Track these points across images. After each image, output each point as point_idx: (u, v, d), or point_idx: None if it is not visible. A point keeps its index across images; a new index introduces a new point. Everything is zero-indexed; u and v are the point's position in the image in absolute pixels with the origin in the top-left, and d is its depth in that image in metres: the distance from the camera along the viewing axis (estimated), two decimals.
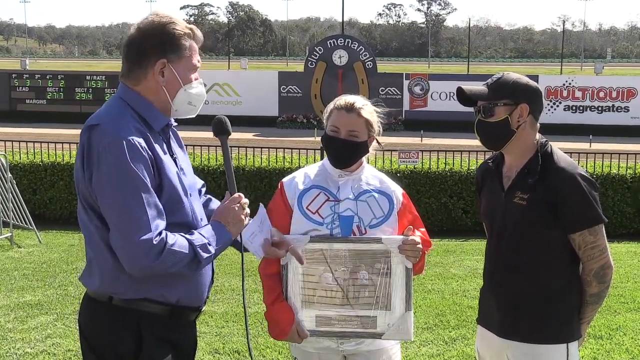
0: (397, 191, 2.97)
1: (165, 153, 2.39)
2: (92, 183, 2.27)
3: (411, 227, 2.85)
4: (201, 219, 2.48)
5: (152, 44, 2.37)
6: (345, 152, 2.87)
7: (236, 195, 2.50)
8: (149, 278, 2.31)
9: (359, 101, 2.91)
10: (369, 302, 2.81)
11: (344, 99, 2.91)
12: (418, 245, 2.80)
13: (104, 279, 2.35)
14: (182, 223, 2.38)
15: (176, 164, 2.44)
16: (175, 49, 2.39)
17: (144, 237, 2.22)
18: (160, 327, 2.38)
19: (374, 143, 2.96)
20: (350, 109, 2.87)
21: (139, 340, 2.35)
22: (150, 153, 2.31)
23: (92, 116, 2.39)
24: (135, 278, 2.30)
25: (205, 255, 2.33)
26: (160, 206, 2.29)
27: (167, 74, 2.39)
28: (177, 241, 2.28)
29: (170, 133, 2.51)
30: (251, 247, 2.60)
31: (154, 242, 2.22)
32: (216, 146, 14.02)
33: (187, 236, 2.32)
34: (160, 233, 2.25)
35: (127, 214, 2.22)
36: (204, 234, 2.36)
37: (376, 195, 2.91)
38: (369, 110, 2.90)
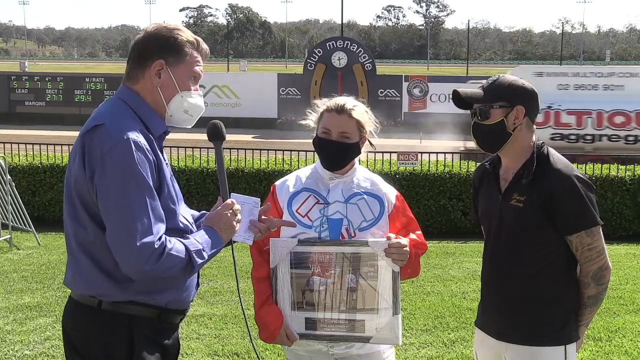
0: (390, 193, 2.94)
1: (163, 158, 2.40)
2: (93, 182, 2.25)
3: (392, 235, 2.82)
4: (191, 224, 2.49)
5: (153, 45, 2.40)
6: (337, 153, 2.86)
7: (229, 201, 2.49)
8: (143, 280, 2.31)
9: (350, 102, 2.89)
10: (357, 305, 2.79)
11: (334, 101, 2.90)
12: (405, 249, 2.77)
13: (95, 281, 2.33)
14: (175, 229, 2.38)
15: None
16: (175, 53, 2.41)
17: (146, 240, 2.21)
18: (149, 329, 2.37)
19: (367, 144, 2.94)
20: (341, 110, 2.85)
21: (131, 344, 2.34)
22: (153, 156, 2.31)
23: (93, 117, 2.37)
24: (128, 280, 2.29)
25: (199, 260, 2.33)
26: (161, 210, 2.29)
27: (164, 77, 2.40)
28: (175, 245, 2.28)
29: None
30: (238, 237, 2.54)
31: (155, 246, 2.22)
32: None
33: (183, 241, 2.33)
34: (160, 237, 2.25)
35: (130, 217, 2.21)
36: (198, 240, 2.36)
37: (367, 197, 2.88)
38: (360, 111, 2.89)
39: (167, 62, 2.39)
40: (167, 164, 2.44)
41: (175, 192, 2.43)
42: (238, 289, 2.66)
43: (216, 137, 2.57)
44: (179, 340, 2.57)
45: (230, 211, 2.47)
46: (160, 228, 2.26)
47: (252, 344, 2.65)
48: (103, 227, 2.27)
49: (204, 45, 2.49)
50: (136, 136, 2.27)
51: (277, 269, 2.82)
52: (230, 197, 2.51)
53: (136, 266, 2.22)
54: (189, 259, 2.30)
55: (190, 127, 2.54)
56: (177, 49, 2.41)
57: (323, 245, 2.80)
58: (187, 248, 2.30)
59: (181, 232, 2.39)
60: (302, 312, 2.83)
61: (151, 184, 2.27)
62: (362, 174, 2.96)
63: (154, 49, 2.39)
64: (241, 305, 2.63)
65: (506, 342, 2.86)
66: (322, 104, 2.93)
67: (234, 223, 2.47)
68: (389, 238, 2.78)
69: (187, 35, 2.44)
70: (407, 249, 2.78)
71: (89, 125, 2.31)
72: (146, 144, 2.29)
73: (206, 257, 2.36)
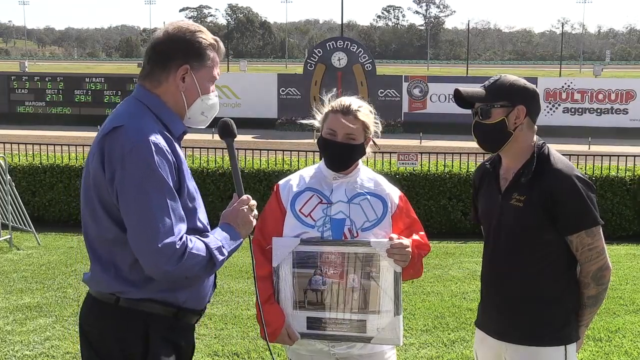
0: (393, 194, 2.94)
1: (182, 158, 2.42)
2: (113, 183, 2.26)
3: (394, 235, 2.81)
4: (207, 224, 2.50)
5: (178, 48, 2.40)
6: (342, 155, 2.86)
7: (244, 197, 2.51)
8: (165, 280, 2.33)
9: (355, 103, 2.88)
10: (359, 305, 2.79)
11: (339, 102, 2.89)
12: (407, 249, 2.76)
13: (113, 279, 2.34)
14: (194, 228, 2.40)
15: None
16: (199, 58, 2.42)
17: (168, 241, 2.23)
18: (165, 328, 2.38)
19: (371, 144, 2.94)
20: (346, 111, 2.85)
21: (146, 341, 2.35)
22: (173, 157, 2.33)
23: (111, 118, 2.38)
24: (146, 278, 2.31)
25: (220, 257, 2.35)
26: (182, 211, 2.31)
27: (188, 81, 2.42)
28: (196, 244, 2.30)
29: None
30: None
31: (177, 247, 2.24)
32: (215, 148, 14.03)
33: (203, 239, 2.35)
34: (182, 237, 2.27)
35: (151, 218, 2.22)
36: (218, 237, 2.38)
37: (370, 198, 2.88)
38: (365, 112, 2.89)
39: (191, 67, 2.41)
40: (184, 162, 2.43)
41: (195, 191, 2.44)
42: (256, 290, 2.65)
43: (227, 134, 2.58)
44: (194, 340, 2.57)
45: (247, 207, 2.49)
46: (181, 228, 2.28)
47: (269, 348, 2.65)
48: (122, 226, 2.29)
49: (222, 46, 2.51)
50: (156, 137, 2.28)
51: (279, 268, 2.83)
52: (245, 193, 2.52)
53: (158, 266, 2.24)
54: (210, 256, 2.32)
55: (204, 127, 2.57)
56: (201, 53, 2.42)
57: (325, 245, 2.80)
58: (207, 246, 2.32)
59: (199, 232, 2.40)
60: (304, 312, 2.83)
61: (171, 185, 2.28)
62: (365, 174, 2.96)
63: (179, 53, 2.40)
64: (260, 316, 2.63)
65: (506, 342, 2.86)
66: (327, 103, 2.92)
67: (251, 218, 2.49)
68: (391, 239, 2.78)
69: (208, 37, 2.45)
70: (410, 249, 2.78)
71: (108, 127, 2.32)
72: (166, 145, 2.31)
73: (226, 254, 2.38)
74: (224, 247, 2.36)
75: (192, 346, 2.54)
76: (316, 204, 2.86)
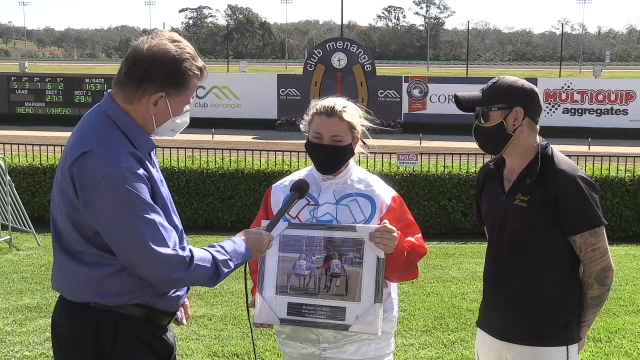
0: (385, 194, 2.88)
1: (152, 168, 2.39)
2: (90, 210, 2.25)
3: (387, 221, 2.75)
4: (182, 229, 2.49)
5: (159, 74, 2.31)
6: (330, 158, 2.82)
7: (272, 235, 2.63)
8: (143, 287, 2.34)
9: (339, 103, 2.83)
10: (340, 292, 2.75)
11: (322, 103, 2.84)
12: (393, 234, 2.68)
13: (94, 291, 2.35)
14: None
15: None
16: (179, 87, 2.36)
17: (169, 252, 2.25)
18: (134, 326, 2.39)
19: (360, 144, 2.90)
20: (331, 113, 2.80)
21: (115, 339, 2.36)
22: (146, 173, 2.31)
23: (77, 139, 2.33)
24: (125, 288, 2.33)
25: (225, 270, 2.38)
26: (166, 221, 2.32)
27: (161, 105, 2.36)
28: (202, 255, 2.33)
29: None
30: None
31: (182, 255, 2.27)
32: (215, 149, 14.04)
33: (210, 250, 2.37)
34: (183, 248, 2.29)
35: (144, 236, 2.22)
36: (227, 250, 2.41)
37: (359, 199, 2.84)
38: (350, 112, 2.83)
39: (167, 94, 2.35)
40: (161, 180, 2.42)
41: (167, 199, 2.43)
42: (247, 296, 2.67)
43: (299, 191, 2.75)
44: (174, 342, 2.57)
45: (268, 241, 2.60)
46: (174, 237, 2.30)
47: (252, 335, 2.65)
48: (95, 245, 2.30)
49: (206, 72, 2.44)
50: (127, 162, 2.26)
51: (265, 252, 2.81)
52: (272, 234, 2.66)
53: (166, 275, 2.26)
54: (216, 268, 2.35)
55: (172, 137, 2.57)
56: (182, 82, 2.36)
57: (312, 229, 2.78)
58: (213, 257, 2.35)
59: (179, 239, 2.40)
60: (286, 297, 2.80)
61: (149, 200, 2.28)
62: (357, 175, 2.91)
63: (159, 79, 2.32)
64: (247, 310, 2.64)
65: (508, 342, 2.86)
66: (312, 107, 2.88)
67: (265, 250, 2.62)
68: (383, 225, 2.71)
69: (193, 67, 2.37)
70: (395, 235, 2.69)
71: (76, 153, 2.28)
72: (137, 165, 2.29)
73: (232, 267, 2.41)
74: (231, 261, 2.39)
75: (170, 347, 2.52)
76: (304, 205, 2.84)
